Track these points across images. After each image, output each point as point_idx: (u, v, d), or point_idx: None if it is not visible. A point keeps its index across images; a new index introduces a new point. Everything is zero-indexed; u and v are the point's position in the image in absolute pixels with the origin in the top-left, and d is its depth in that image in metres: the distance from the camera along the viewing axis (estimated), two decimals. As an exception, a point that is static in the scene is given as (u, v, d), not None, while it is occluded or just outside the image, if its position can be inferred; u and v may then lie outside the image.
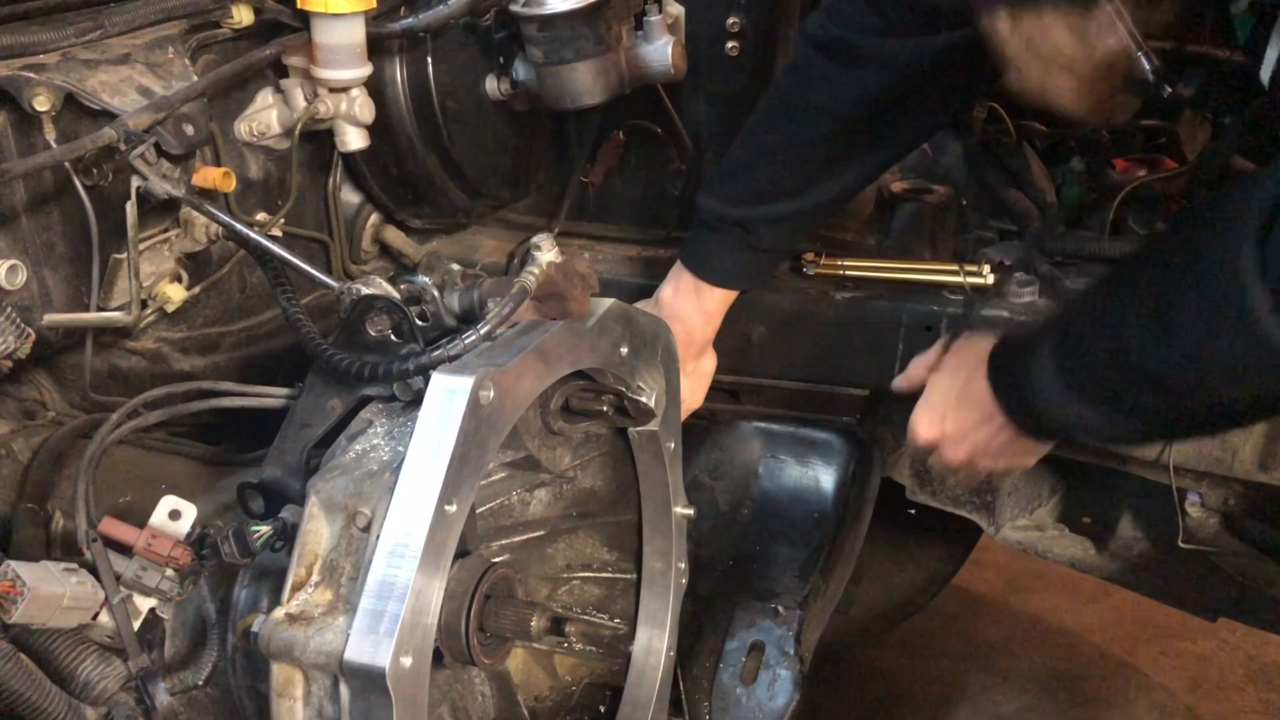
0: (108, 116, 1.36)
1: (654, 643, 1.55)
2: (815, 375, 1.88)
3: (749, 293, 1.76)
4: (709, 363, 1.78)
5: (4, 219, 1.33)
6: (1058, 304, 1.44)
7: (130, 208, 1.35)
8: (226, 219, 1.41)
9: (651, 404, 1.39)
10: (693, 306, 1.68)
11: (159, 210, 1.46)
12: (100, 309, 1.43)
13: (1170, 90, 1.66)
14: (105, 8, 1.45)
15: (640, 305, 1.70)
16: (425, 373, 1.09)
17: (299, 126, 1.64)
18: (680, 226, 1.97)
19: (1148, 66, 1.27)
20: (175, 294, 1.52)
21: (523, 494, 1.42)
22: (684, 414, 1.69)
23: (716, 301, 1.69)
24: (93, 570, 1.13)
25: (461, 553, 1.09)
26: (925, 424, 1.41)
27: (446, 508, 1.01)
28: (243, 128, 1.66)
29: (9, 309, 1.22)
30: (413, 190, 1.90)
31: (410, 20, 1.69)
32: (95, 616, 1.13)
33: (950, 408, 1.38)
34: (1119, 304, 1.17)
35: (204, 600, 1.21)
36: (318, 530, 1.06)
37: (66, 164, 1.31)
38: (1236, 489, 1.77)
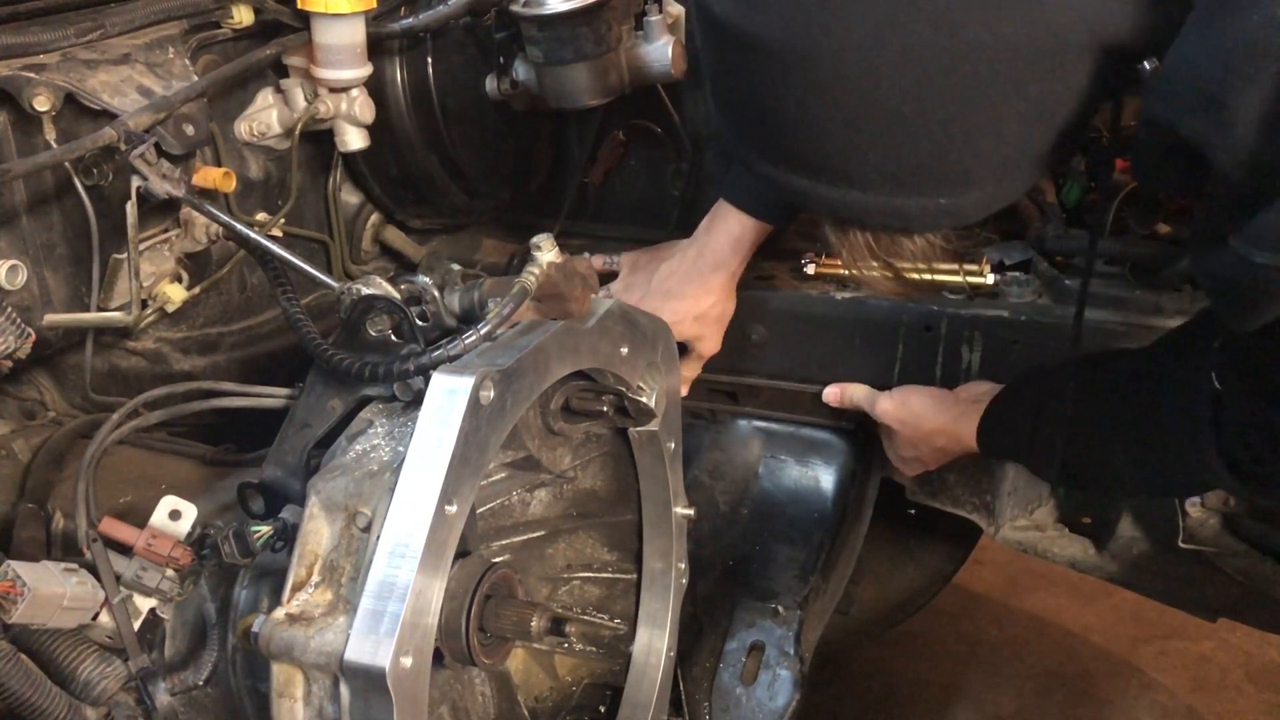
0: (108, 116, 1.36)
1: (654, 643, 1.55)
2: (814, 376, 1.88)
3: (752, 289, 1.78)
4: (729, 305, 1.77)
5: (4, 219, 1.33)
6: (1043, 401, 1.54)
7: (130, 208, 1.35)
8: (226, 219, 1.41)
9: (651, 404, 1.39)
10: (724, 233, 1.70)
11: (159, 210, 1.46)
12: (100, 309, 1.43)
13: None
14: (105, 8, 1.45)
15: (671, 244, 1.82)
16: (425, 373, 1.09)
17: (299, 126, 1.64)
18: (680, 226, 1.97)
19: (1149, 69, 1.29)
20: (175, 294, 1.52)
21: (523, 494, 1.42)
22: (702, 361, 1.81)
23: (748, 231, 1.70)
24: (93, 570, 1.13)
25: (462, 553, 1.09)
26: (910, 473, 1.85)
27: (447, 508, 1.01)
28: (243, 128, 1.66)
29: (9, 309, 1.22)
30: (413, 190, 1.89)
31: (410, 20, 1.69)
32: (95, 616, 1.13)
33: (925, 462, 1.77)
34: (1101, 433, 1.40)
35: (204, 600, 1.21)
36: (318, 530, 1.07)
37: (66, 164, 1.31)
38: (1237, 489, 1.77)
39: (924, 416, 1.67)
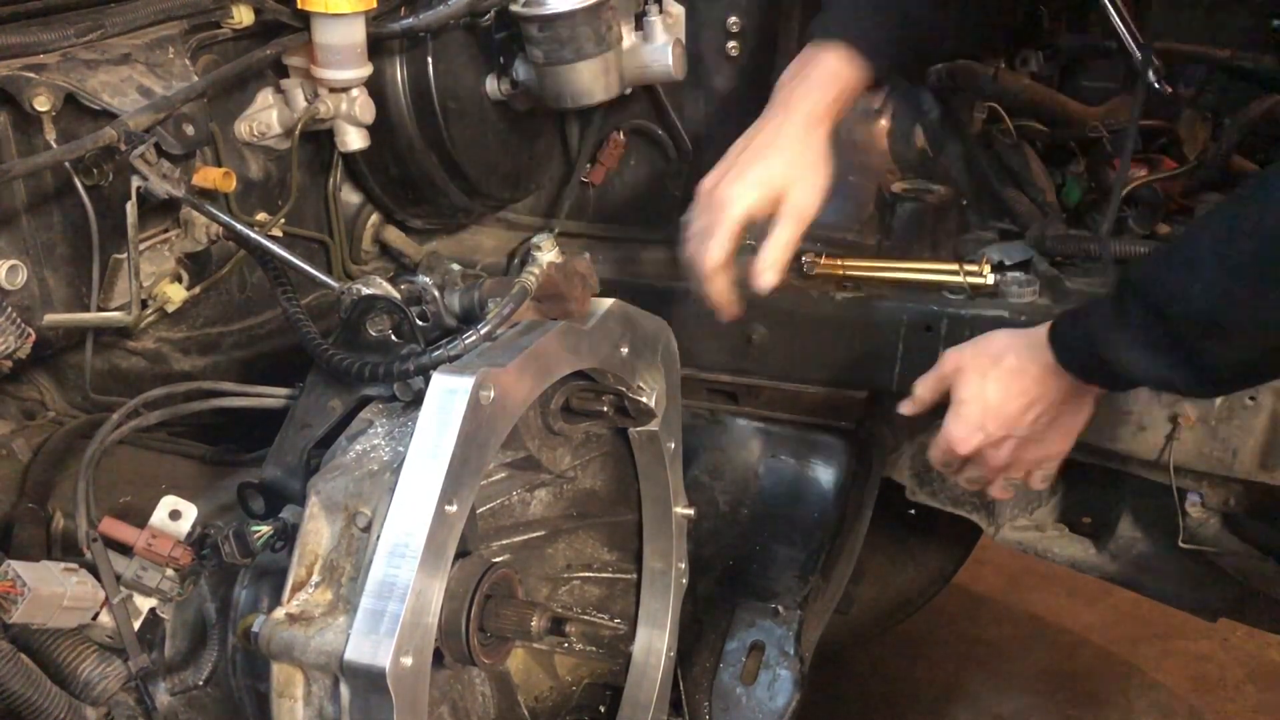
0: (108, 116, 1.36)
1: (654, 643, 1.55)
2: (814, 376, 1.88)
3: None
4: (825, 156, 1.49)
5: (4, 219, 1.33)
6: (1118, 278, 1.30)
7: (130, 208, 1.35)
8: (227, 219, 1.41)
9: (651, 404, 1.39)
10: (817, 77, 1.48)
11: (159, 210, 1.46)
12: (100, 309, 1.43)
13: (1170, 90, 1.66)
14: (105, 8, 1.45)
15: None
16: (425, 373, 1.09)
17: (299, 126, 1.64)
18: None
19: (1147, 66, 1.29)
20: (175, 294, 1.52)
21: (523, 494, 1.42)
22: (799, 223, 1.48)
23: (846, 68, 1.48)
24: (93, 570, 1.13)
25: (462, 553, 1.10)
26: (962, 436, 1.38)
27: (447, 508, 1.01)
28: (243, 128, 1.66)
29: (9, 309, 1.22)
30: (413, 190, 1.90)
31: (410, 20, 1.69)
32: (95, 616, 1.13)
33: (988, 410, 1.36)
34: (1216, 259, 1.14)
35: (204, 600, 1.21)
36: (318, 530, 1.07)
37: (67, 164, 1.31)
38: (1237, 489, 1.77)
39: (994, 339, 1.41)
